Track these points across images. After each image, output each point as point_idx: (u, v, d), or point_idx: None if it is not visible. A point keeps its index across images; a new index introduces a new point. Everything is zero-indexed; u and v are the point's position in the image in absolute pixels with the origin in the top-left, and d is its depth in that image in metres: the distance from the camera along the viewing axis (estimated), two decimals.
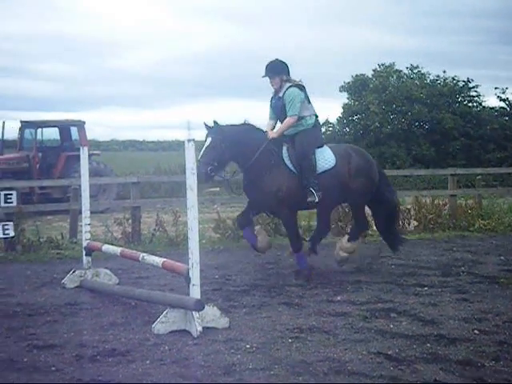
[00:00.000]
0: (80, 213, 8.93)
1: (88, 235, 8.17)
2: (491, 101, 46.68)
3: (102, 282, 7.92)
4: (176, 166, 24.60)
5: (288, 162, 8.12)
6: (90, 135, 19.45)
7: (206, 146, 7.89)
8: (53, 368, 4.95)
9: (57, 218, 15.45)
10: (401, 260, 9.55)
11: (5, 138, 18.90)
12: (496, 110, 31.24)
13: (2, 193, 10.70)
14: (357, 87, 31.23)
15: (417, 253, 10.24)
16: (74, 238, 11.28)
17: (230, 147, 7.92)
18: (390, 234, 9.11)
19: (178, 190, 19.06)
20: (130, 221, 11.47)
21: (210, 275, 8.32)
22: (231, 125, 8.17)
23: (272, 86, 8.38)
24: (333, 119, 31.46)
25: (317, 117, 8.50)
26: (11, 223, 10.52)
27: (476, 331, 5.81)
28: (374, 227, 9.76)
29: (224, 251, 10.59)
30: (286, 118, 8.26)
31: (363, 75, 31.61)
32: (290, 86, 8.22)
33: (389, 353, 5.21)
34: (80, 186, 8.54)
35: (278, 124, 8.48)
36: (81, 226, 8.84)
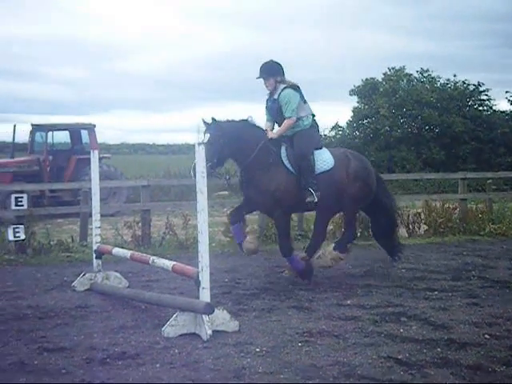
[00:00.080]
0: (90, 216, 8.96)
1: (98, 238, 8.18)
2: (502, 104, 46.63)
3: (112, 285, 7.93)
4: (186, 170, 24.57)
5: (286, 162, 8.08)
6: (100, 138, 19.50)
7: (204, 142, 7.76)
8: (63, 371, 4.96)
9: (67, 221, 15.51)
10: (411, 264, 9.52)
11: (16, 141, 18.92)
12: (507, 114, 31.09)
13: (13, 196, 10.75)
14: (367, 91, 31.19)
15: (427, 257, 10.21)
16: (84, 241, 11.32)
17: (229, 144, 7.86)
18: (389, 241, 9.06)
19: (187, 194, 19.05)
20: (139, 224, 11.49)
21: (220, 278, 8.32)
22: (229, 121, 8.10)
23: (266, 87, 8.32)
24: (343, 123, 31.48)
25: (314, 116, 8.45)
26: (22, 226, 10.56)
27: (487, 336, 5.78)
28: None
29: (234, 255, 10.58)
30: (282, 119, 8.23)
31: (373, 79, 31.57)
32: (285, 88, 8.18)
33: (399, 357, 5.20)
34: (90, 189, 8.55)
35: (276, 126, 8.44)
36: (91, 229, 8.88)
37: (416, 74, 31.65)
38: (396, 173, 25.08)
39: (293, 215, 11.91)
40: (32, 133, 18.69)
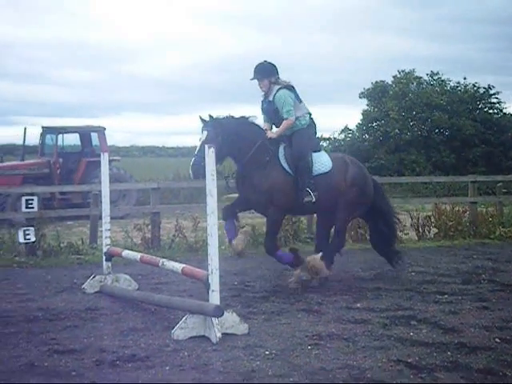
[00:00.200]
0: (100, 218, 8.98)
1: (108, 241, 8.20)
2: None
3: (122, 288, 7.95)
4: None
5: (283, 161, 8.03)
6: (109, 141, 19.57)
7: (202, 140, 7.75)
8: (73, 373, 4.97)
9: (77, 223, 15.55)
10: (420, 267, 9.50)
11: (26, 143, 19.03)
12: None
13: (24, 198, 10.80)
14: (377, 94, 31.19)
15: (437, 260, 10.18)
16: (94, 244, 11.35)
17: (227, 141, 7.79)
18: (389, 248, 8.96)
19: (197, 196, 19.11)
20: (149, 226, 11.52)
21: (230, 281, 8.32)
22: (228, 117, 8.02)
23: (261, 88, 8.26)
24: (352, 126, 31.47)
25: (310, 115, 8.39)
26: (32, 228, 10.61)
27: (497, 340, 5.75)
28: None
29: (243, 257, 10.57)
30: (279, 120, 8.18)
31: (383, 82, 31.57)
32: (280, 89, 8.13)
33: (409, 361, 5.18)
34: (100, 191, 8.58)
35: (273, 127, 8.38)
36: (101, 231, 8.90)
37: (426, 77, 31.65)
38: (406, 176, 25.08)
39: (302, 218, 11.98)
40: (42, 135, 18.77)
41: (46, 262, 10.26)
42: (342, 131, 31.13)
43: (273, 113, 8.23)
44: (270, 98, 8.20)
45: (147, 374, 4.92)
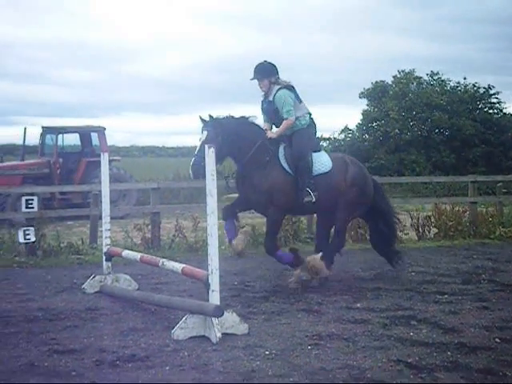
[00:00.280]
0: (100, 218, 8.98)
1: (108, 241, 8.20)
2: None
3: (122, 288, 7.95)
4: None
5: (283, 161, 8.01)
6: (109, 141, 19.56)
7: (201, 140, 7.74)
8: (73, 373, 4.97)
9: (77, 223, 15.56)
10: (420, 267, 9.50)
11: (26, 143, 19.03)
12: None
13: (24, 198, 10.81)
14: (376, 94, 31.20)
15: (437, 260, 10.18)
16: (94, 244, 11.36)
17: (227, 141, 7.77)
18: (389, 248, 8.93)
19: (197, 196, 19.11)
20: (149, 226, 11.53)
21: (229, 281, 8.32)
22: (227, 117, 8.00)
23: (260, 88, 8.24)
24: (352, 126, 31.47)
25: (310, 115, 8.37)
26: (32, 228, 10.61)
27: (497, 340, 5.75)
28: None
29: (243, 257, 10.57)
30: (279, 121, 8.17)
31: (383, 82, 31.58)
32: (280, 89, 8.11)
33: (409, 361, 5.18)
34: (100, 191, 8.58)
35: (273, 127, 8.36)
36: (101, 231, 8.90)
37: (426, 77, 31.65)
38: (406, 176, 25.09)
39: (302, 218, 11.99)
40: (42, 135, 18.78)
41: (46, 261, 10.26)
42: (342, 131, 31.15)
43: (273, 113, 8.22)
44: (270, 98, 8.19)
45: (147, 374, 4.92)
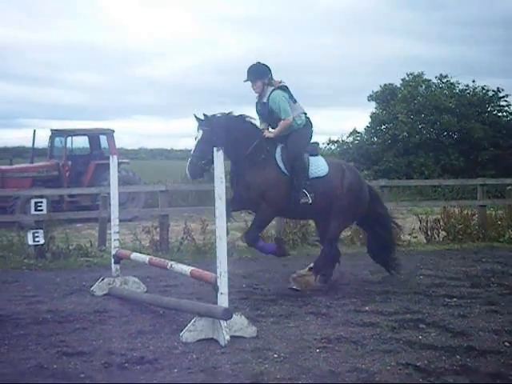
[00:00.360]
0: (109, 221, 9.00)
1: (117, 243, 8.21)
2: None
3: (131, 290, 7.96)
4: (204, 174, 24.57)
5: (279, 161, 7.89)
6: (118, 144, 19.54)
7: (197, 139, 7.69)
8: (82, 375, 4.98)
9: (86, 225, 15.60)
10: (429, 271, 9.47)
11: (35, 146, 19.07)
12: None
13: (33, 201, 10.84)
14: (385, 96, 31.19)
15: (445, 263, 10.15)
16: (102, 246, 11.38)
17: (222, 140, 7.58)
18: (389, 254, 8.77)
19: (206, 199, 19.10)
20: (158, 229, 11.54)
21: (238, 284, 8.32)
22: (223, 115, 7.88)
23: (254, 90, 8.12)
24: (361, 129, 31.48)
25: (306, 114, 8.22)
26: (41, 231, 10.64)
27: (507, 343, 5.73)
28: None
29: (251, 260, 10.59)
30: (274, 122, 8.05)
31: (392, 85, 31.57)
32: (273, 90, 7.99)
33: (418, 364, 5.17)
34: (109, 194, 8.60)
35: (270, 129, 8.25)
36: (109, 233, 8.91)
37: (435, 80, 31.62)
38: (414, 179, 25.05)
39: (310, 221, 11.95)
40: (51, 138, 18.84)
41: (55, 264, 10.29)
42: (351, 134, 31.18)
43: (267, 114, 8.09)
44: (264, 100, 8.06)
45: (155, 376, 4.93)
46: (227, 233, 7.26)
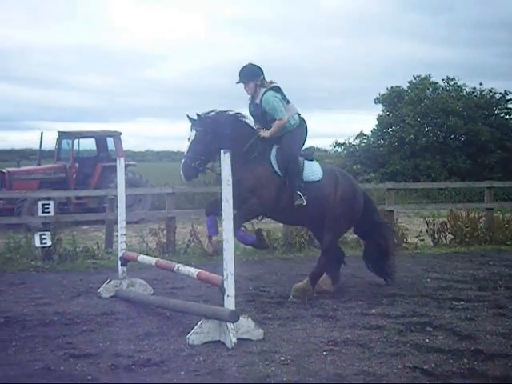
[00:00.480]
0: (115, 223, 9.00)
1: (124, 245, 8.22)
2: None
3: (138, 292, 7.97)
4: (210, 177, 24.54)
5: (274, 163, 7.78)
6: (125, 146, 19.53)
7: (190, 139, 7.62)
8: (89, 377, 4.99)
9: (93, 227, 15.63)
10: (436, 273, 9.45)
11: (43, 148, 19.16)
12: None
13: (40, 203, 10.86)
14: (392, 99, 31.11)
15: (452, 266, 10.13)
16: (109, 248, 11.41)
17: (216, 140, 7.56)
18: (386, 261, 8.62)
19: None
20: (164, 231, 11.56)
21: (245, 286, 8.32)
22: (216, 115, 7.76)
23: (246, 91, 8.02)
24: (367, 131, 31.42)
25: (299, 115, 8.11)
26: (48, 233, 10.67)
27: None
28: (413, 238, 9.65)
29: (258, 263, 10.60)
30: (268, 123, 7.92)
31: (398, 87, 31.49)
32: (266, 91, 7.88)
33: (425, 367, 5.16)
34: (116, 196, 8.61)
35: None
36: (116, 236, 8.92)
37: (441, 83, 31.51)
38: (421, 181, 25.00)
39: None
40: (58, 140, 18.88)
41: (62, 266, 10.31)
42: (357, 136, 31.10)
43: (260, 116, 7.99)
44: (257, 101, 7.95)
45: (162, 378, 4.93)
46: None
